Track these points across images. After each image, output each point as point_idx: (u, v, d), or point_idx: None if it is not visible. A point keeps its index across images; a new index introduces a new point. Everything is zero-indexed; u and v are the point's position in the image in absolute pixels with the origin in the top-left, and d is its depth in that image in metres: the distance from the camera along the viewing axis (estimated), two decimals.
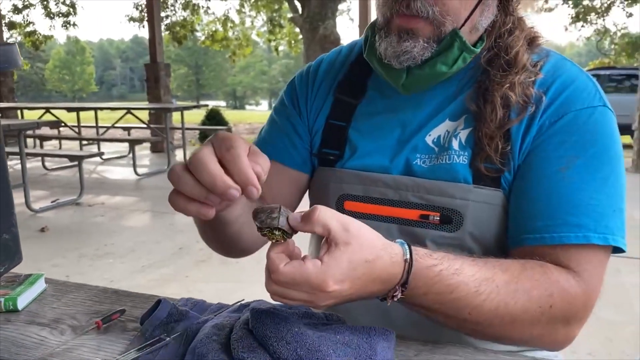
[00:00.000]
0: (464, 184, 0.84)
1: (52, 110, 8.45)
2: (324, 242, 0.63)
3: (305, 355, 0.63)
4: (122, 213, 5.17)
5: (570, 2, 15.86)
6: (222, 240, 0.92)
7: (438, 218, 0.85)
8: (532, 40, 0.88)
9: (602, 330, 2.63)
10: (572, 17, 16.56)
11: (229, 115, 14.53)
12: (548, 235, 0.78)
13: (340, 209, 0.92)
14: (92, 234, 4.45)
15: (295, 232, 0.64)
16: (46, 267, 3.63)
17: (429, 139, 0.89)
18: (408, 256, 0.66)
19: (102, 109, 8.65)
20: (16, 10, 14.90)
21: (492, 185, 0.84)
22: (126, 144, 8.48)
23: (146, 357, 0.74)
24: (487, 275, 0.71)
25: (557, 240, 0.77)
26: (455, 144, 0.86)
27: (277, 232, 0.63)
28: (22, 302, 0.93)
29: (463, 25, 0.81)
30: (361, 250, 0.62)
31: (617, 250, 0.79)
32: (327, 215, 0.62)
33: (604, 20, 16.99)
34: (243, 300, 0.95)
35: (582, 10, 16.26)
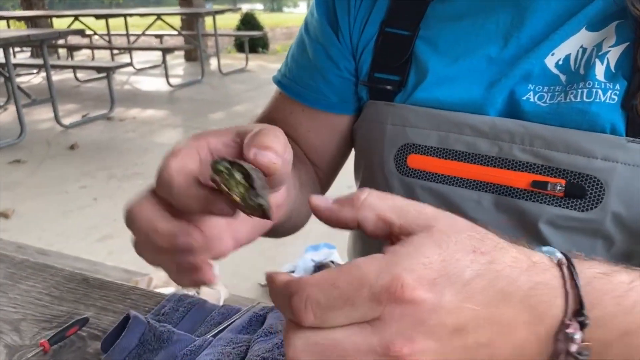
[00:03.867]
0: (611, 136, 0.51)
1: (80, 18, 8.09)
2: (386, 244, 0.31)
3: None
4: (154, 128, 4.93)
5: None
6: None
7: (563, 188, 0.52)
8: None
9: None
10: None
11: (266, 19, 13.85)
12: None
13: (402, 165, 0.59)
14: (122, 151, 4.25)
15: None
16: (74, 189, 3.46)
17: (550, 61, 0.54)
18: (560, 255, 0.32)
19: (131, 15, 8.22)
20: None
21: None
22: (159, 53, 8.13)
23: None
24: None
25: None
26: (599, 71, 0.52)
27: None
28: None
29: None
30: (458, 233, 0.30)
31: None
32: (383, 197, 0.32)
33: None
34: (258, 303, 0.65)
35: None
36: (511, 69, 0.55)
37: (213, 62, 8.09)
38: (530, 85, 0.54)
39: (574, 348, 0.29)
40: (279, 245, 2.61)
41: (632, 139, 0.50)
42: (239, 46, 10.08)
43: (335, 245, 2.36)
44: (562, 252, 0.32)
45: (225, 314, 0.63)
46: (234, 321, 0.61)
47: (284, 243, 2.68)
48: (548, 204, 0.53)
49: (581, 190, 0.52)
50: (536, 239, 0.54)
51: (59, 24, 9.24)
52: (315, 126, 0.68)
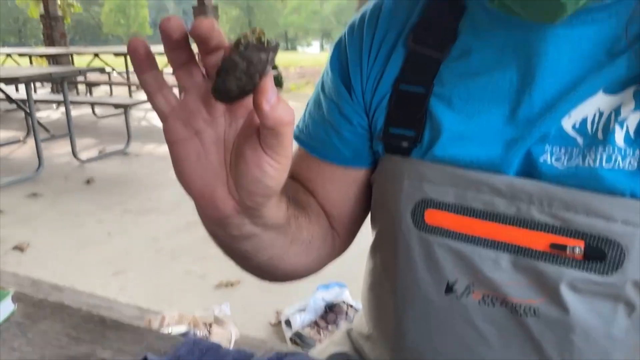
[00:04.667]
0: (631, 200, 0.51)
1: (101, 56, 8.31)
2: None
3: None
4: (169, 164, 4.91)
5: None
6: (260, 256, 0.60)
7: (582, 250, 0.52)
8: None
9: None
10: None
11: (280, 58, 14.10)
12: None
13: (419, 220, 0.60)
14: (137, 186, 4.30)
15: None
16: (89, 223, 3.50)
17: (567, 123, 0.54)
18: None
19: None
20: None
21: None
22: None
23: None
24: None
25: None
26: (618, 137, 0.52)
27: None
28: None
29: None
30: None
31: None
32: None
33: None
34: (272, 349, 0.66)
35: None
36: (527, 129, 0.55)
37: None
38: (547, 146, 0.55)
39: None
40: (289, 284, 2.60)
41: None
42: None
43: (347, 285, 2.35)
44: None
45: (240, 357, 0.64)
46: None
47: (295, 282, 2.68)
48: (567, 267, 0.53)
49: (601, 253, 0.52)
50: (556, 302, 0.54)
51: (80, 60, 9.49)
52: (332, 179, 0.70)
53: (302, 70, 16.51)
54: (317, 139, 0.70)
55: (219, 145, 0.45)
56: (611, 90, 0.53)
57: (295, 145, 0.73)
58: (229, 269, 2.68)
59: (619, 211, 0.51)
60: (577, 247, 0.52)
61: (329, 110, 0.69)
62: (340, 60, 0.69)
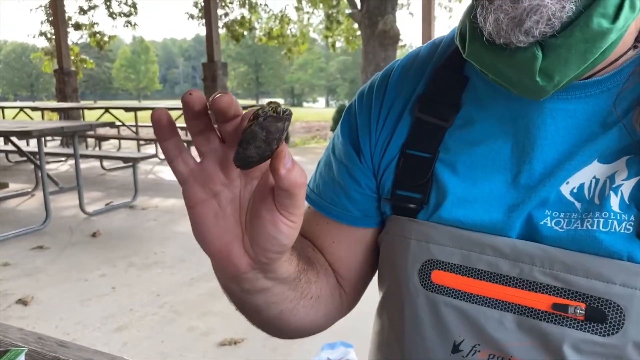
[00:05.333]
0: (629, 263, 0.52)
1: (111, 110, 8.50)
2: None
3: None
4: (174, 217, 5.02)
5: None
6: (271, 311, 0.63)
7: (583, 312, 0.54)
8: None
9: None
10: None
11: None
12: None
13: (426, 280, 0.62)
14: (142, 240, 4.31)
15: None
16: (93, 277, 3.49)
17: (566, 189, 0.57)
18: None
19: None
20: (82, 11, 15.29)
21: None
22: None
23: None
24: None
25: None
26: (613, 203, 0.55)
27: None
28: None
29: None
30: None
31: None
32: None
33: None
34: None
35: None
36: (528, 194, 0.58)
37: None
38: (547, 210, 0.57)
39: None
40: (293, 342, 2.57)
41: None
42: None
43: (352, 344, 2.33)
44: None
45: None
46: None
47: (300, 340, 2.65)
48: (569, 327, 0.54)
49: (601, 314, 0.53)
50: None
51: (90, 115, 9.70)
52: (340, 238, 0.73)
53: (308, 125, 16.77)
54: (327, 198, 0.73)
55: (235, 205, 0.48)
56: (605, 159, 0.56)
57: (305, 204, 0.76)
58: (234, 326, 2.69)
59: (617, 274, 0.52)
60: (579, 307, 0.54)
61: (338, 171, 0.72)
62: (350, 125, 0.73)
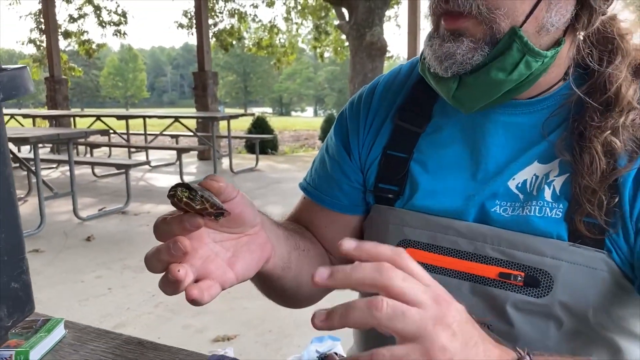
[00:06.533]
0: (557, 241, 0.68)
1: (102, 118, 8.60)
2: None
3: None
4: None
5: None
6: (278, 294, 0.84)
7: (522, 279, 0.69)
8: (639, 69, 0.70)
9: None
10: None
11: (275, 122, 14.52)
12: None
13: None
14: (136, 244, 4.43)
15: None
16: (89, 279, 3.61)
17: (512, 184, 0.73)
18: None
19: (150, 116, 8.73)
20: (71, 19, 15.37)
21: (593, 245, 0.67)
22: (174, 152, 8.54)
23: None
24: None
25: None
26: (547, 194, 0.70)
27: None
28: (35, 355, 0.83)
29: (524, 23, 0.65)
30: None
31: None
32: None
33: None
34: None
35: None
36: (482, 188, 0.74)
37: (225, 161, 8.46)
38: (497, 201, 0.73)
39: None
40: (284, 337, 2.71)
41: (572, 243, 0.68)
42: (249, 147, 10.53)
43: (340, 338, 2.47)
44: (528, 350, 0.51)
45: None
46: None
47: (290, 335, 2.79)
48: (511, 291, 0.70)
49: (536, 280, 0.69)
50: (504, 319, 0.70)
51: (80, 122, 9.78)
52: (331, 223, 0.88)
53: (297, 133, 16.91)
54: (321, 190, 0.89)
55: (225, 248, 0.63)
56: (543, 160, 0.73)
57: (302, 194, 0.92)
58: (227, 323, 2.89)
59: (549, 249, 0.68)
60: (519, 276, 0.69)
61: (332, 167, 0.88)
62: (342, 129, 0.89)
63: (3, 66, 0.70)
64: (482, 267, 0.72)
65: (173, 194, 0.54)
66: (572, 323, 0.69)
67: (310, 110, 67.86)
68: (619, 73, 0.69)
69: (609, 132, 0.66)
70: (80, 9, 15.34)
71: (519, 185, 0.73)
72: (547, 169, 0.72)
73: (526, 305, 0.69)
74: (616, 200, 0.66)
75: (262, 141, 9.39)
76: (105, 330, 0.94)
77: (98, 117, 8.63)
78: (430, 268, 0.75)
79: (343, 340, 2.49)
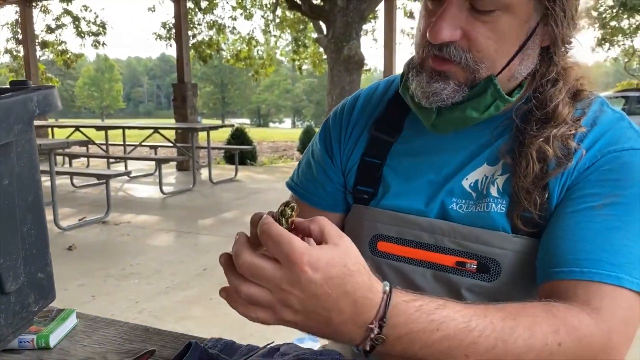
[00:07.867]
0: (503, 233, 0.82)
1: (81, 129, 8.61)
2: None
3: None
4: (147, 232, 5.20)
5: (596, 25, 15.55)
6: None
7: (475, 266, 0.83)
8: (577, 94, 0.85)
9: None
10: (598, 40, 16.16)
11: (253, 133, 14.64)
12: (578, 269, 0.71)
13: (374, 249, 0.91)
14: (118, 253, 4.49)
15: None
16: (73, 287, 3.66)
17: (465, 183, 0.87)
18: (387, 288, 0.60)
19: (130, 127, 8.78)
20: (49, 30, 15.31)
21: (532, 235, 0.81)
22: (152, 162, 8.59)
23: None
24: (477, 311, 0.63)
25: (587, 275, 0.70)
26: (493, 191, 0.84)
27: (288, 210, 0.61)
28: (54, 340, 0.93)
29: (500, 72, 0.79)
30: (346, 255, 0.58)
31: None
32: (327, 222, 0.60)
33: (632, 41, 16.68)
34: (273, 342, 0.94)
35: (609, 31, 15.95)
36: (441, 188, 0.88)
37: (204, 172, 8.54)
38: (453, 199, 0.86)
39: (372, 336, 0.59)
40: (265, 340, 2.81)
41: (515, 235, 0.81)
42: (228, 158, 10.61)
43: (318, 339, 2.59)
44: (390, 285, 0.60)
45: (250, 348, 0.92)
46: (257, 351, 0.90)
47: (271, 338, 2.89)
48: (466, 277, 0.84)
49: (486, 268, 0.83)
50: (460, 300, 0.84)
51: (59, 133, 9.76)
52: None
53: (275, 145, 17.04)
54: (307, 190, 1.02)
55: None
56: (491, 163, 0.86)
57: (290, 193, 1.05)
58: (210, 327, 3.03)
59: (496, 240, 0.82)
60: (473, 264, 0.83)
61: (317, 171, 1.01)
62: (325, 136, 1.02)
63: (37, 85, 0.82)
64: (442, 256, 0.86)
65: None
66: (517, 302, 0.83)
67: (288, 122, 68.04)
68: (559, 94, 0.83)
69: (542, 140, 0.80)
70: (58, 19, 15.30)
71: (472, 184, 0.86)
72: (493, 170, 0.85)
73: (478, 289, 0.83)
74: (546, 196, 0.80)
75: (241, 152, 9.49)
76: (112, 320, 1.05)
77: (77, 128, 8.64)
78: (398, 258, 0.89)
79: (322, 341, 2.62)
